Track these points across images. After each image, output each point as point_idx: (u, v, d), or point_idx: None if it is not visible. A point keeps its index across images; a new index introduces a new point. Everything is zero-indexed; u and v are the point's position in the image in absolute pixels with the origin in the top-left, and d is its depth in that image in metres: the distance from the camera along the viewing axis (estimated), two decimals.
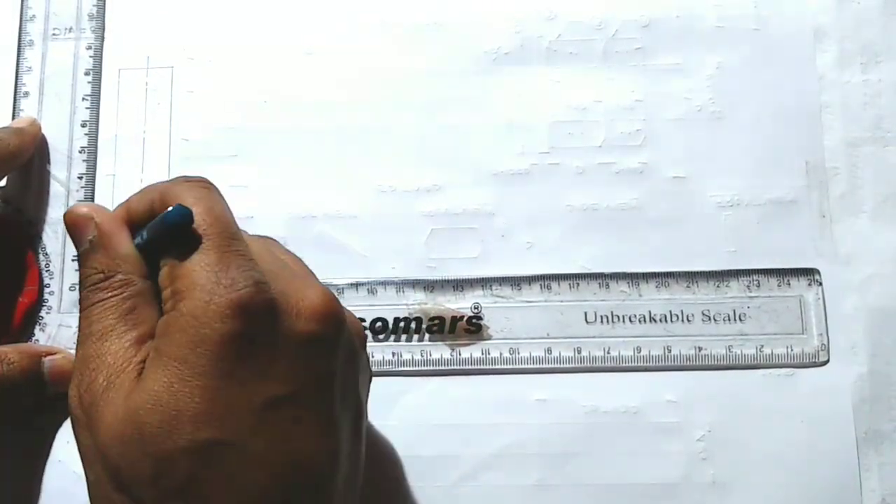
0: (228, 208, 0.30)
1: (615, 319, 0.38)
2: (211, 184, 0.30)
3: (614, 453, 0.37)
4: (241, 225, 0.39)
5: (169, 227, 0.28)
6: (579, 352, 0.38)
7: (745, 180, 0.40)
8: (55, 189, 0.40)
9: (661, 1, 0.41)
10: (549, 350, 0.38)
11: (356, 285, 0.39)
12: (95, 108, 0.41)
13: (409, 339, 0.38)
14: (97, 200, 0.40)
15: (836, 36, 0.41)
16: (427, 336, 0.38)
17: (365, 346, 0.32)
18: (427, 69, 0.41)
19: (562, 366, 0.38)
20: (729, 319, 0.38)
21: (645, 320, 0.38)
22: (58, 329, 0.39)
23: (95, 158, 0.41)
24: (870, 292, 0.38)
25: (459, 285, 0.39)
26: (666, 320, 0.38)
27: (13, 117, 0.41)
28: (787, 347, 0.38)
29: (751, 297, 0.38)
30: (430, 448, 0.38)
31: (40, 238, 0.40)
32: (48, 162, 0.40)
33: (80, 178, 0.40)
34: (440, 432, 0.38)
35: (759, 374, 0.38)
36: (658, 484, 0.37)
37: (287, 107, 0.41)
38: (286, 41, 0.42)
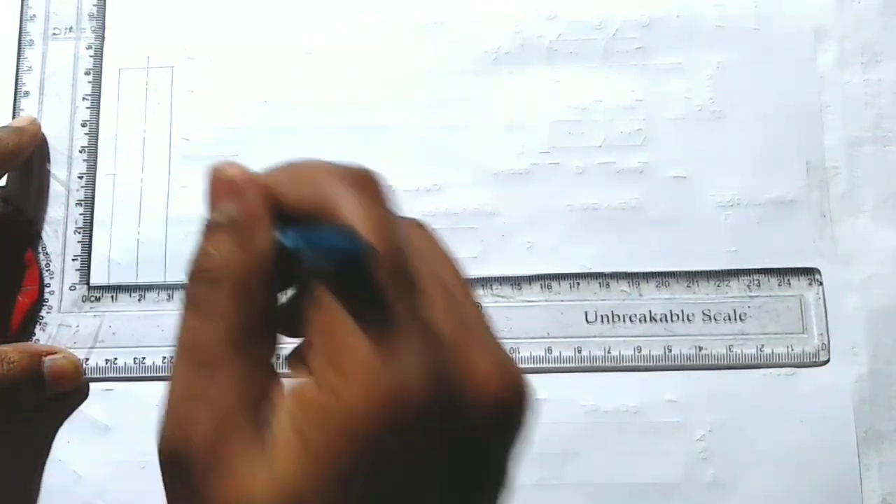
0: (404, 232, 0.23)
1: (615, 319, 0.38)
2: (386, 195, 0.23)
3: (614, 453, 0.37)
4: None
5: (338, 264, 0.21)
6: (580, 351, 0.38)
7: (745, 180, 0.40)
8: (55, 188, 0.40)
9: (661, 1, 0.41)
10: (549, 349, 0.38)
11: None
12: (96, 108, 0.41)
13: None
14: (97, 201, 0.40)
15: (837, 36, 0.41)
16: None
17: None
18: (427, 69, 0.41)
19: (562, 365, 0.38)
20: (729, 319, 0.38)
21: (645, 320, 0.38)
22: (58, 329, 0.39)
23: (96, 158, 0.41)
24: (870, 292, 0.38)
25: None
26: (666, 320, 0.38)
27: (13, 117, 0.41)
28: (788, 347, 0.38)
29: (751, 297, 0.38)
30: None
31: (40, 237, 0.40)
32: (48, 161, 0.40)
33: (81, 177, 0.40)
34: None
35: (759, 374, 0.38)
36: (658, 483, 0.37)
37: (287, 107, 0.41)
38: (286, 41, 0.42)
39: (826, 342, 0.38)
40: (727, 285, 0.38)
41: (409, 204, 0.40)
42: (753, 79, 0.41)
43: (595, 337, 0.38)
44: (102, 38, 0.42)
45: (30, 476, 0.37)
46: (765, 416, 0.37)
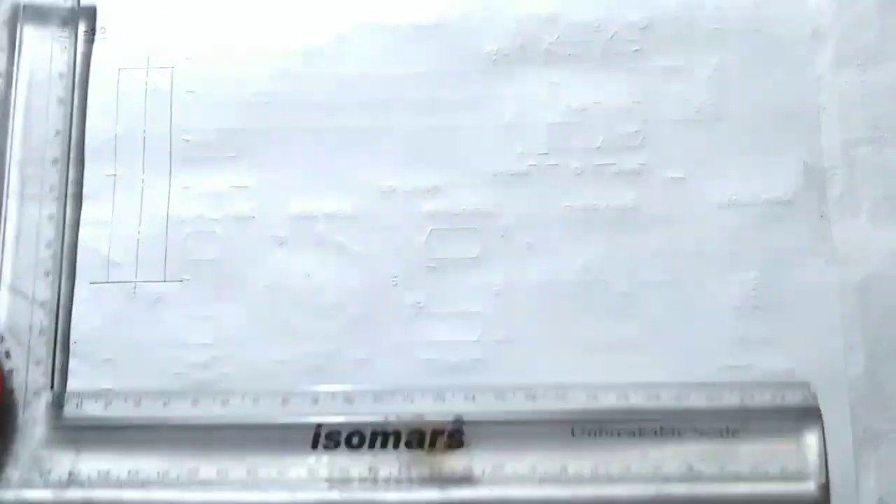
0: None
1: (602, 433, 0.37)
2: None
3: None
4: (242, 225, 0.40)
5: None
6: (566, 469, 0.37)
7: (743, 181, 0.40)
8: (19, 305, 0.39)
9: (660, 2, 0.42)
10: (534, 467, 0.37)
11: (331, 393, 0.38)
12: (96, 109, 0.41)
13: (386, 453, 0.37)
14: (98, 201, 0.40)
15: (835, 37, 0.41)
16: (405, 449, 0.37)
17: None
18: (427, 70, 0.41)
19: (548, 482, 0.36)
20: (722, 434, 0.37)
21: (634, 434, 0.37)
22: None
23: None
24: (868, 292, 0.39)
25: (440, 394, 0.37)
26: (655, 434, 0.37)
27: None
28: (781, 468, 0.36)
29: (745, 410, 0.37)
30: None
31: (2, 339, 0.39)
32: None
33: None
34: None
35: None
36: None
37: (287, 107, 0.41)
38: (286, 41, 0.42)
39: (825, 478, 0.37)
40: (718, 398, 0.37)
41: (409, 204, 0.40)
42: (751, 80, 0.41)
43: (581, 451, 0.37)
44: (92, 41, 0.42)
45: None
46: None
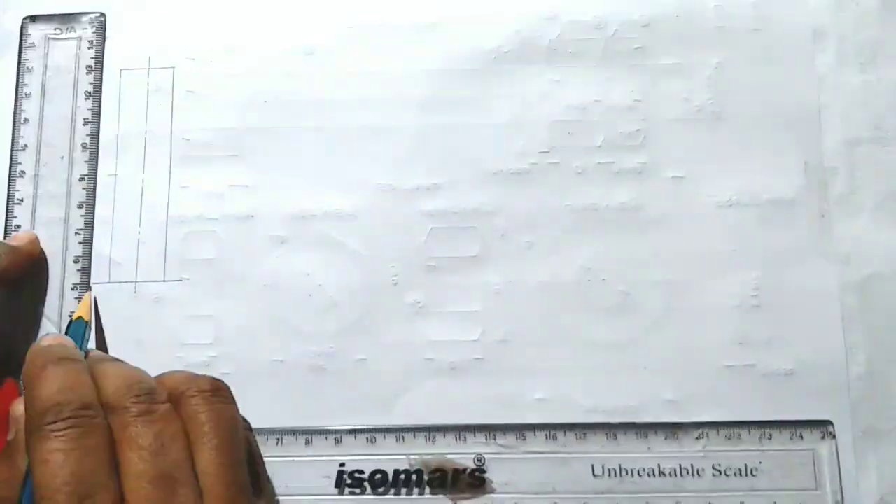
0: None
1: (623, 473, 0.37)
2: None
3: None
4: (242, 224, 0.40)
5: None
6: None
7: (744, 180, 0.40)
8: (46, 327, 0.39)
9: (661, 1, 0.41)
10: None
11: (354, 432, 0.38)
12: (97, 109, 0.41)
13: (409, 493, 0.37)
14: (98, 201, 0.40)
15: (836, 36, 0.41)
16: (428, 490, 0.37)
17: None
18: (427, 69, 0.41)
19: None
20: (740, 474, 0.37)
21: (654, 474, 0.37)
22: None
23: (97, 159, 0.41)
24: (869, 292, 0.38)
25: (461, 434, 0.38)
26: (675, 475, 0.37)
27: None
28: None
29: (763, 451, 0.37)
30: None
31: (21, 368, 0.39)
32: (42, 302, 0.39)
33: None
34: None
35: None
36: None
37: (287, 107, 0.41)
38: (286, 41, 0.42)
39: (840, 499, 0.37)
40: (738, 438, 0.37)
41: (408, 203, 0.40)
42: (752, 79, 0.41)
43: (603, 493, 0.37)
44: (104, 39, 0.42)
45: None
46: None
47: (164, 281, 0.40)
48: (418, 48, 0.42)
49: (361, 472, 0.37)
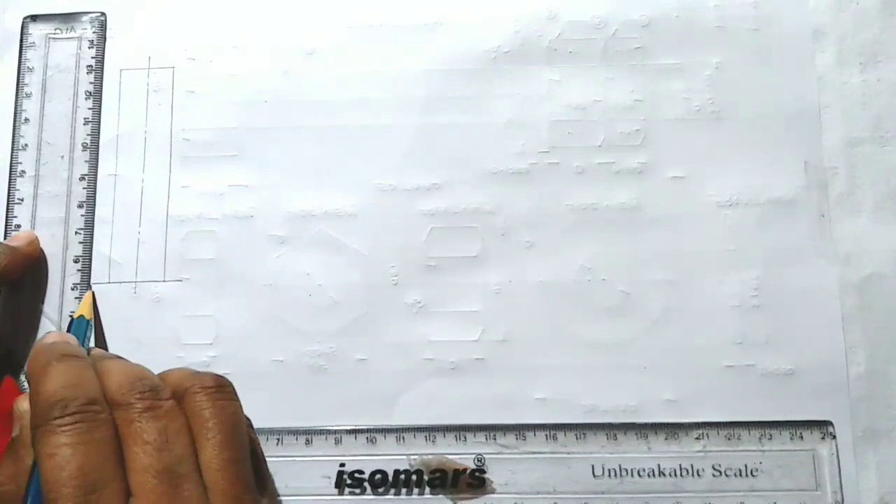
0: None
1: (623, 473, 0.37)
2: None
3: None
4: (242, 224, 0.40)
5: None
6: None
7: (744, 180, 0.40)
8: (46, 326, 0.39)
9: (661, 1, 0.41)
10: None
11: (354, 432, 0.38)
12: (97, 109, 0.41)
13: (409, 494, 0.37)
14: (98, 201, 0.40)
15: (836, 36, 0.41)
16: (428, 490, 0.37)
17: None
18: (427, 69, 0.41)
19: None
20: (740, 474, 0.37)
21: (654, 474, 0.37)
22: None
23: (97, 159, 0.41)
24: (869, 292, 0.38)
25: (462, 434, 0.38)
26: (675, 475, 0.37)
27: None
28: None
29: (763, 451, 0.37)
30: None
31: (22, 367, 0.39)
32: (42, 301, 0.39)
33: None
34: None
35: None
36: None
37: (287, 107, 0.41)
38: (286, 41, 0.42)
39: (840, 500, 0.37)
40: (738, 438, 0.37)
41: (408, 203, 0.40)
42: (752, 79, 0.41)
43: (603, 493, 0.37)
44: (104, 38, 0.42)
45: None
46: None
47: (164, 281, 0.40)
48: (418, 48, 0.42)
49: (361, 472, 0.37)
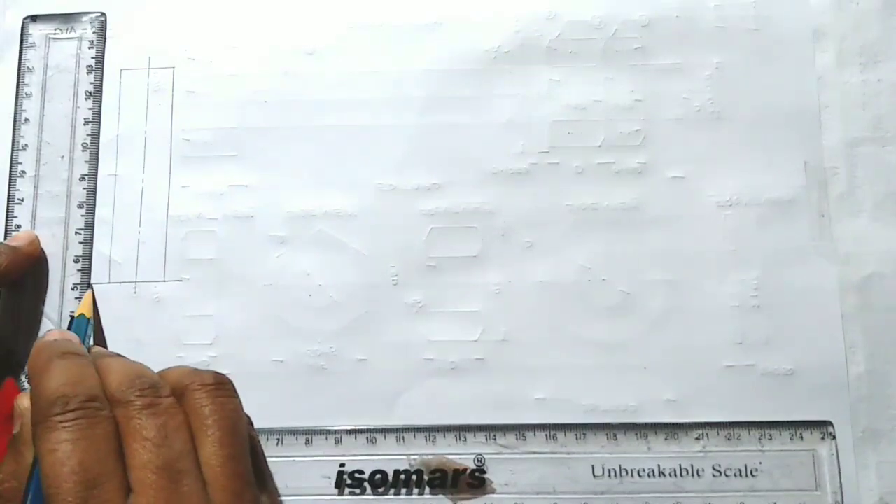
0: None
1: (623, 473, 0.37)
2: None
3: None
4: (242, 224, 0.40)
5: None
6: None
7: (744, 180, 0.40)
8: (46, 326, 0.39)
9: (661, 1, 0.41)
10: None
11: (354, 432, 0.38)
12: (97, 109, 0.41)
13: (409, 494, 0.37)
14: (98, 201, 0.40)
15: (836, 36, 0.41)
16: (428, 490, 0.37)
17: None
18: (427, 69, 0.41)
19: None
20: (740, 474, 0.37)
21: (654, 475, 0.37)
22: None
23: (97, 159, 0.41)
24: (869, 292, 0.38)
25: (462, 434, 0.38)
26: (675, 475, 0.37)
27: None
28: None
29: (763, 452, 0.37)
30: None
31: (21, 367, 0.39)
32: (43, 302, 0.39)
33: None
34: None
35: None
36: None
37: (287, 107, 0.41)
38: (286, 41, 0.42)
39: (840, 500, 0.37)
40: (738, 438, 0.37)
41: (408, 203, 0.40)
42: (752, 79, 0.41)
43: (603, 493, 0.37)
44: (104, 38, 0.42)
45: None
46: None
47: (164, 281, 0.40)
48: (418, 48, 0.42)
49: (361, 472, 0.37)
